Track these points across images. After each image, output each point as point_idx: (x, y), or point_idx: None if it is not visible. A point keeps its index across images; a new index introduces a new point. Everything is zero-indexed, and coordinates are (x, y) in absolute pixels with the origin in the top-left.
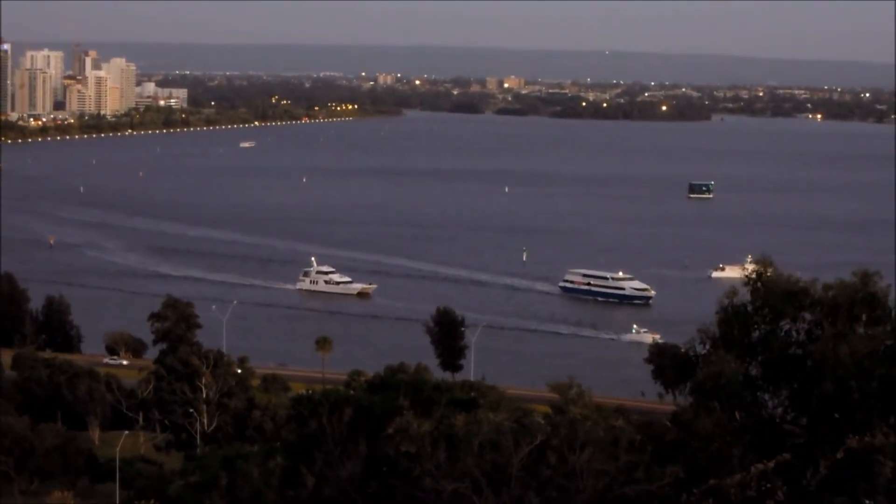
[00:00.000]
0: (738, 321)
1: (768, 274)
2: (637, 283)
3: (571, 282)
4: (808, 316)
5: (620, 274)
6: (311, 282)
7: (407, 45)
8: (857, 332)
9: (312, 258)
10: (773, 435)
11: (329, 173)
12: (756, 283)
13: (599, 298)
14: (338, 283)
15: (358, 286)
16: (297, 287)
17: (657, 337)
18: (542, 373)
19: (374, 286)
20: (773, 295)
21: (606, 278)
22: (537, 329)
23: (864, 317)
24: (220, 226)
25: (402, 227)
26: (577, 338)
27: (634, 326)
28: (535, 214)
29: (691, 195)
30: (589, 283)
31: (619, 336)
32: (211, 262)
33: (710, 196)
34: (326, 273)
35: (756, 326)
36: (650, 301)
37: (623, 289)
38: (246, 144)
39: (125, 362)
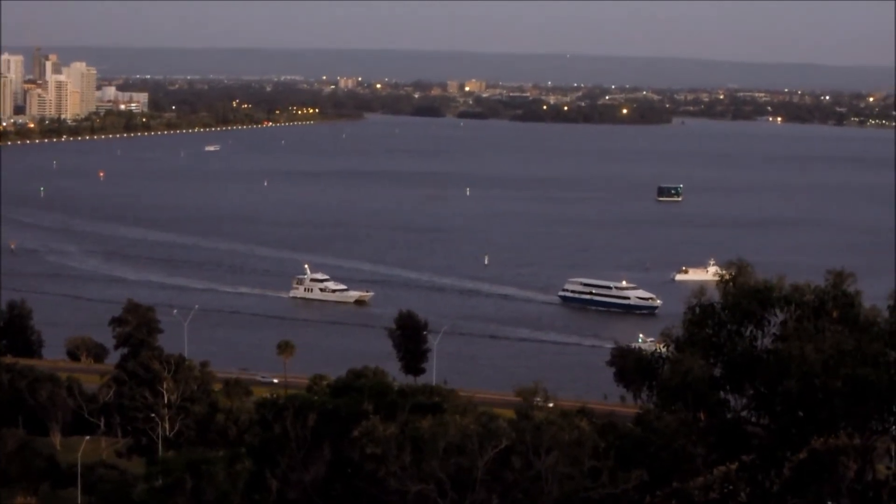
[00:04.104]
0: (707, 320)
1: (741, 277)
2: (642, 293)
3: (572, 291)
4: (777, 315)
5: (624, 283)
6: (305, 289)
7: (368, 49)
8: (825, 332)
9: (305, 265)
10: (736, 436)
11: (290, 176)
12: (728, 285)
13: (602, 308)
14: (333, 290)
15: (355, 294)
16: (291, 295)
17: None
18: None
19: (371, 294)
20: (742, 295)
21: (610, 287)
22: (538, 339)
23: (833, 316)
24: (179, 229)
25: (365, 229)
26: (576, 347)
27: (640, 336)
28: (495, 217)
29: (660, 198)
30: (591, 293)
31: (622, 345)
32: (171, 266)
33: (680, 199)
34: (321, 281)
35: (724, 326)
36: (656, 311)
37: (628, 298)
38: (211, 148)
39: None
